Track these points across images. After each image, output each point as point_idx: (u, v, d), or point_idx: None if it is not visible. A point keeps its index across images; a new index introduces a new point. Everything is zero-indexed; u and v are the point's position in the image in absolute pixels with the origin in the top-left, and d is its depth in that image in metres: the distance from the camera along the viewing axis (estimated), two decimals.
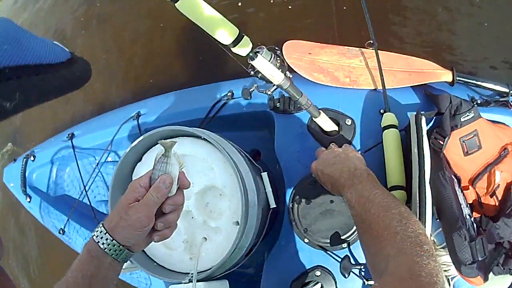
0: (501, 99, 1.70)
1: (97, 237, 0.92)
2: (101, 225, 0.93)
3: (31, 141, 3.51)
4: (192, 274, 1.38)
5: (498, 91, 1.74)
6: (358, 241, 1.51)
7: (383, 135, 1.56)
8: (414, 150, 1.43)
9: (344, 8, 2.75)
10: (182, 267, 1.46)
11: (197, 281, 1.34)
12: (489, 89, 1.74)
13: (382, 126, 1.58)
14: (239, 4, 3.04)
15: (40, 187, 2.26)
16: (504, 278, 1.50)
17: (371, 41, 1.72)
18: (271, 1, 2.96)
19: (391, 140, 1.54)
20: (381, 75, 1.65)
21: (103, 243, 0.91)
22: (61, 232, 2.10)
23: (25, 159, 2.22)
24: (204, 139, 1.46)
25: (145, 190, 0.93)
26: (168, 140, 0.97)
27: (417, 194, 1.36)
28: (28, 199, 2.18)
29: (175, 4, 1.07)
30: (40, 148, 2.27)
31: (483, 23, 2.55)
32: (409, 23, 2.67)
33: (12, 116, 0.46)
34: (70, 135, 2.15)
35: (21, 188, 2.19)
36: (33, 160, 2.22)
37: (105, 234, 0.91)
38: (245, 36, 1.18)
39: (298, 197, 1.60)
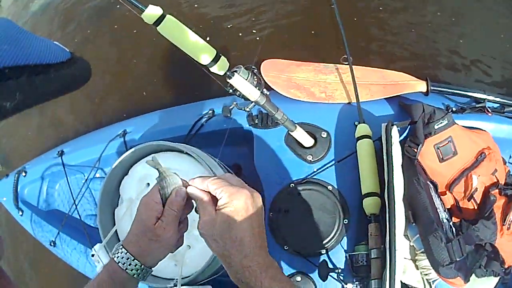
0: (477, 105, 1.76)
1: (123, 264, 0.88)
2: (123, 250, 0.89)
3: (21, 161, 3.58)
4: (176, 279, 1.46)
5: (475, 98, 1.79)
6: (336, 247, 1.61)
7: (357, 145, 1.64)
8: (385, 157, 1.49)
9: (312, 32, 2.88)
10: (167, 273, 1.53)
11: (182, 285, 1.42)
12: (465, 96, 1.80)
13: (356, 137, 1.65)
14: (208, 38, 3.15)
15: (31, 202, 2.31)
16: (488, 280, 1.53)
17: (346, 56, 1.81)
18: (239, 34, 3.10)
19: (364, 149, 1.61)
20: (355, 88, 1.73)
21: (131, 269, 0.88)
22: (52, 244, 2.15)
23: (17, 175, 2.26)
24: (187, 153, 1.54)
25: (161, 205, 0.90)
26: (149, 160, 0.96)
27: (387, 199, 1.42)
28: (20, 213, 2.23)
29: (157, 28, 1.14)
30: (31, 164, 2.32)
31: (461, 37, 2.66)
32: (386, 37, 2.78)
33: (11, 116, 0.46)
34: (60, 152, 2.21)
35: (13, 202, 2.24)
36: (24, 176, 2.26)
37: (133, 260, 0.88)
38: (222, 56, 1.26)
39: (277, 206, 1.68)
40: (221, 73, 1.29)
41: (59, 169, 2.20)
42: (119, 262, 0.88)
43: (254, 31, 3.07)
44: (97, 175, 2.22)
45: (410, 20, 2.81)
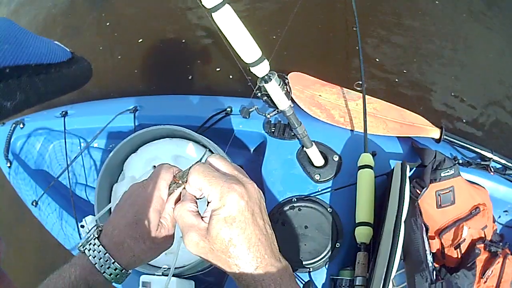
0: (482, 162, 1.83)
1: (99, 260, 0.73)
2: (97, 243, 0.75)
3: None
4: (164, 268, 1.45)
5: (481, 155, 1.85)
6: (322, 267, 1.63)
7: (357, 174, 1.66)
8: (395, 194, 1.50)
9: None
10: (156, 261, 1.51)
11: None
12: (473, 151, 1.86)
13: (358, 165, 1.67)
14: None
15: (22, 156, 2.26)
16: None
17: (360, 82, 1.84)
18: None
19: (364, 179, 1.63)
20: (364, 116, 1.75)
21: (106, 271, 0.74)
22: (34, 204, 2.10)
23: (14, 125, 2.21)
24: (203, 145, 1.54)
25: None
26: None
27: (391, 234, 1.42)
28: (8, 164, 2.18)
29: (212, 14, 1.11)
30: (31, 118, 2.26)
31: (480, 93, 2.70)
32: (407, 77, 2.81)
33: (12, 116, 0.46)
34: (63, 113, 2.15)
35: (3, 152, 2.19)
36: (21, 128, 2.21)
37: (121, 271, 0.74)
38: (266, 60, 1.24)
39: (274, 217, 1.68)
40: (261, 75, 1.27)
41: (59, 129, 2.15)
42: (90, 256, 0.73)
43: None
44: (95, 144, 2.19)
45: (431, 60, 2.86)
